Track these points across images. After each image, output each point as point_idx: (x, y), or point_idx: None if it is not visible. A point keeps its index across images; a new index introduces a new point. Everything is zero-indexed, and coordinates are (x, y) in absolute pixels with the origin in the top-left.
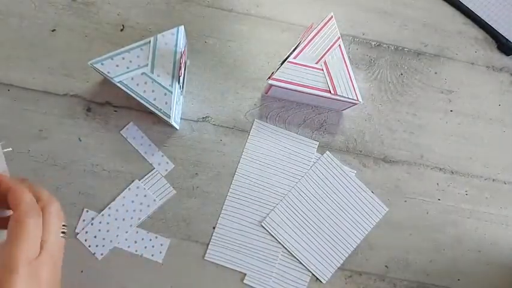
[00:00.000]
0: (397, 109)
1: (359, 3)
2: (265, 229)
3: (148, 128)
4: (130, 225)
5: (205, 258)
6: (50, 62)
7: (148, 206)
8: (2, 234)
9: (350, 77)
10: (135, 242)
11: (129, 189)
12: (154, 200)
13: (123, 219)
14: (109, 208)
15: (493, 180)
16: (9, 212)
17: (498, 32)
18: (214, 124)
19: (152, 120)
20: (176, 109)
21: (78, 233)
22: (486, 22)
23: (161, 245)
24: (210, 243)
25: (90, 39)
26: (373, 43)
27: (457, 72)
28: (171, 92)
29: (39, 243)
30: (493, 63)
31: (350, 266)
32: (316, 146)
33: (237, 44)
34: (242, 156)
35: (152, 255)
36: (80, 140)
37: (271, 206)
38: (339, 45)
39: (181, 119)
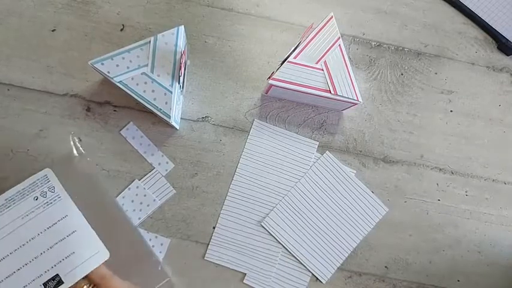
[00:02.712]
0: (397, 109)
1: (359, 3)
2: (265, 229)
3: (148, 127)
4: None
5: (205, 258)
6: (50, 62)
7: (148, 205)
8: None
9: (350, 77)
10: None
11: (129, 188)
12: (154, 200)
13: None
14: None
15: (493, 180)
16: None
17: (498, 32)
18: (214, 124)
19: (152, 120)
20: (176, 109)
21: None
22: (486, 22)
23: (161, 244)
24: (210, 243)
25: (90, 38)
26: (373, 43)
27: (457, 72)
28: (171, 92)
29: None
30: (493, 63)
31: (350, 266)
32: (316, 146)
33: (237, 44)
34: (242, 156)
35: None
36: (80, 140)
37: (271, 206)
38: (339, 45)
39: (181, 118)
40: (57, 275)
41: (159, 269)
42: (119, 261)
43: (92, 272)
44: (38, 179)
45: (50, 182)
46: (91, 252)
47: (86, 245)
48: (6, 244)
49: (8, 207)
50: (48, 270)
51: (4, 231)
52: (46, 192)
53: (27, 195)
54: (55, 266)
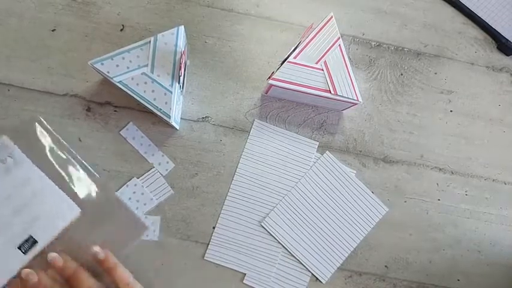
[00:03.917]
0: (397, 109)
1: (359, 3)
2: (265, 229)
3: (148, 128)
4: None
5: (205, 258)
6: (50, 62)
7: (145, 204)
8: None
9: (350, 77)
10: None
11: (127, 186)
12: (152, 199)
13: None
14: None
15: (493, 180)
16: None
17: (498, 32)
18: (214, 124)
19: (152, 120)
20: (176, 109)
21: None
22: (486, 22)
23: (152, 223)
24: (210, 243)
25: (90, 39)
26: (373, 43)
27: (457, 72)
28: (171, 92)
29: None
30: (493, 63)
31: (350, 266)
32: (316, 146)
33: (237, 44)
34: (242, 156)
35: (147, 236)
36: (80, 140)
37: (271, 206)
38: (339, 45)
39: (181, 119)
40: (30, 236)
41: (138, 222)
42: (91, 217)
43: (100, 259)
44: None
45: (8, 149)
46: (61, 210)
47: (54, 204)
48: None
49: None
50: (19, 233)
51: None
52: (5, 158)
53: None
54: (26, 228)
